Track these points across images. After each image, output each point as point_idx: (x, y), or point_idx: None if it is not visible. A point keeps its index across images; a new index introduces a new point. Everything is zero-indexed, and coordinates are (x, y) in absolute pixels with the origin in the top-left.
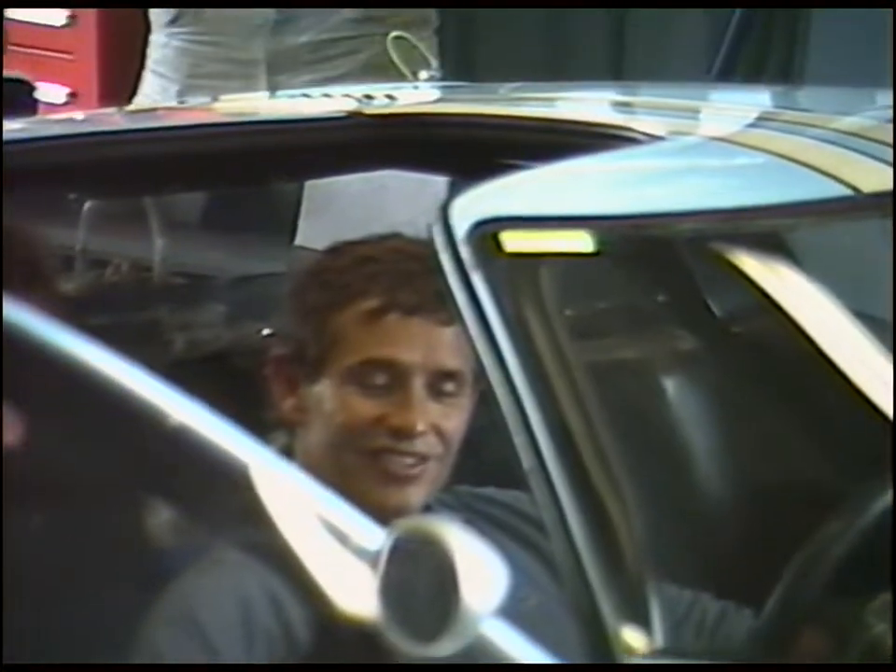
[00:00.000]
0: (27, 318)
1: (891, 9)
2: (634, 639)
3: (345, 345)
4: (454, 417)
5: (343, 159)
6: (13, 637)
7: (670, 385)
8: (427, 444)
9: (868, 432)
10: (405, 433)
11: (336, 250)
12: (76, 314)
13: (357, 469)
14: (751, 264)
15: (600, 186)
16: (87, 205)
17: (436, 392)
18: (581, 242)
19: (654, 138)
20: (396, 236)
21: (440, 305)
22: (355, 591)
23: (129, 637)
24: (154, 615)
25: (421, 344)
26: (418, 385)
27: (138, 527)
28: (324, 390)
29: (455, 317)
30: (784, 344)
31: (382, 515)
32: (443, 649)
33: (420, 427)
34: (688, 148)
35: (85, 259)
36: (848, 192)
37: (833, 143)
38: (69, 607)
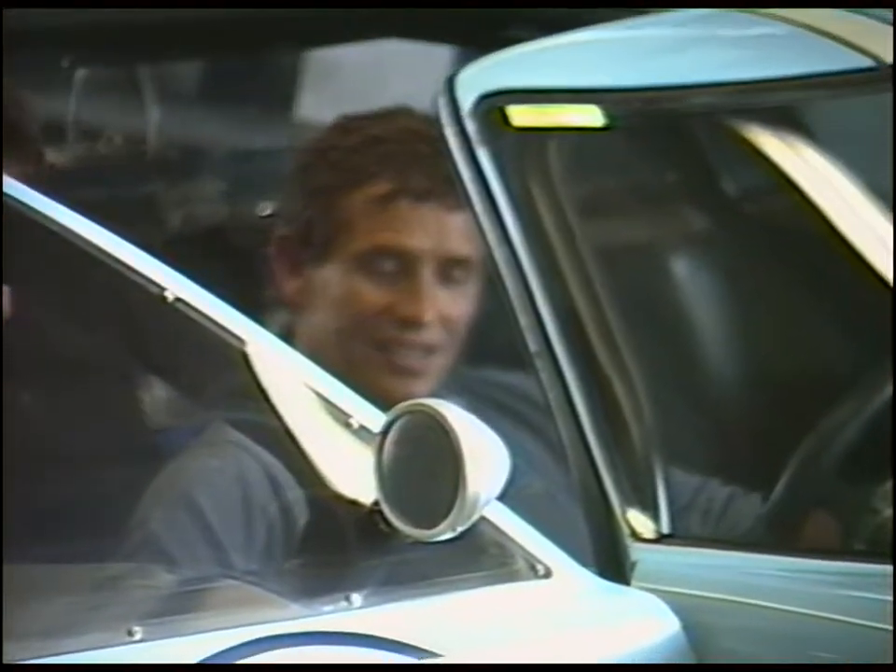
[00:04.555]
0: (17, 188)
1: (891, 9)
2: (640, 524)
3: (354, 231)
4: (461, 305)
5: (344, 27)
6: (7, 517)
7: (680, 265)
8: (434, 334)
9: (884, 316)
10: (413, 322)
11: (342, 127)
12: (67, 186)
13: (363, 360)
14: (767, 140)
15: (611, 57)
16: (79, 73)
17: (445, 279)
18: (591, 116)
19: None
20: (404, 112)
21: (450, 190)
22: (355, 473)
23: (123, 519)
24: (150, 496)
25: (431, 231)
26: (427, 272)
27: (133, 406)
28: (330, 275)
29: (463, 198)
30: (799, 224)
31: (386, 405)
32: (444, 533)
33: (428, 316)
34: (703, 18)
35: (77, 130)
36: (870, 63)
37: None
38: (61, 486)
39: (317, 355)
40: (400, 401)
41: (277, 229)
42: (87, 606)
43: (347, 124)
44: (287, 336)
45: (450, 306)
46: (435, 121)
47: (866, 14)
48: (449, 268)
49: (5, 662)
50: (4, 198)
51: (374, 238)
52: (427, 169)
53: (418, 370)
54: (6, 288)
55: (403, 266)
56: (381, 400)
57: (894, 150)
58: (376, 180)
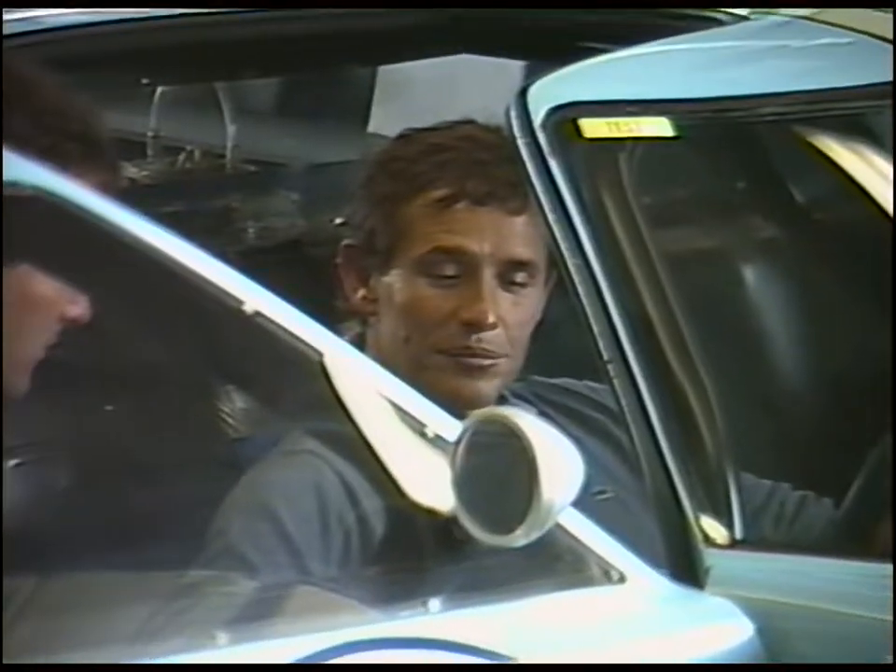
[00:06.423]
0: (100, 204)
1: (891, 9)
2: (713, 530)
3: (414, 235)
4: (525, 308)
5: (416, 42)
6: (87, 526)
7: (750, 273)
8: (497, 338)
9: None
10: (476, 326)
11: (405, 138)
12: (148, 201)
13: (430, 364)
14: (836, 149)
15: (682, 68)
16: (159, 91)
17: (507, 283)
18: (662, 127)
19: (738, 18)
20: (468, 123)
21: (511, 194)
22: (430, 481)
23: (204, 527)
24: (230, 505)
25: (491, 234)
26: (489, 275)
27: (213, 417)
28: (394, 282)
29: (529, 205)
30: (869, 232)
31: (454, 408)
32: (519, 540)
33: (491, 318)
34: (772, 28)
35: (157, 146)
36: None
37: None
38: (143, 495)
39: (386, 362)
40: (469, 401)
41: (344, 239)
42: (170, 612)
43: (409, 135)
44: (360, 345)
45: (512, 310)
46: (504, 133)
47: None
48: (511, 272)
49: (5, 661)
50: (84, 213)
51: (433, 241)
52: (488, 173)
53: (484, 371)
54: (81, 297)
55: (464, 269)
56: (449, 402)
57: (895, 160)
58: (435, 185)
